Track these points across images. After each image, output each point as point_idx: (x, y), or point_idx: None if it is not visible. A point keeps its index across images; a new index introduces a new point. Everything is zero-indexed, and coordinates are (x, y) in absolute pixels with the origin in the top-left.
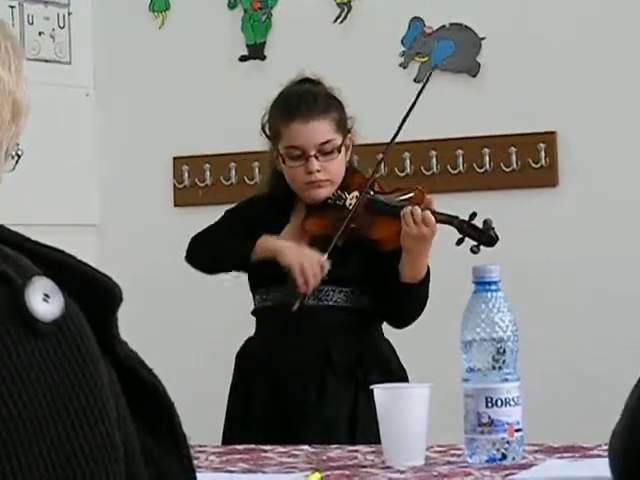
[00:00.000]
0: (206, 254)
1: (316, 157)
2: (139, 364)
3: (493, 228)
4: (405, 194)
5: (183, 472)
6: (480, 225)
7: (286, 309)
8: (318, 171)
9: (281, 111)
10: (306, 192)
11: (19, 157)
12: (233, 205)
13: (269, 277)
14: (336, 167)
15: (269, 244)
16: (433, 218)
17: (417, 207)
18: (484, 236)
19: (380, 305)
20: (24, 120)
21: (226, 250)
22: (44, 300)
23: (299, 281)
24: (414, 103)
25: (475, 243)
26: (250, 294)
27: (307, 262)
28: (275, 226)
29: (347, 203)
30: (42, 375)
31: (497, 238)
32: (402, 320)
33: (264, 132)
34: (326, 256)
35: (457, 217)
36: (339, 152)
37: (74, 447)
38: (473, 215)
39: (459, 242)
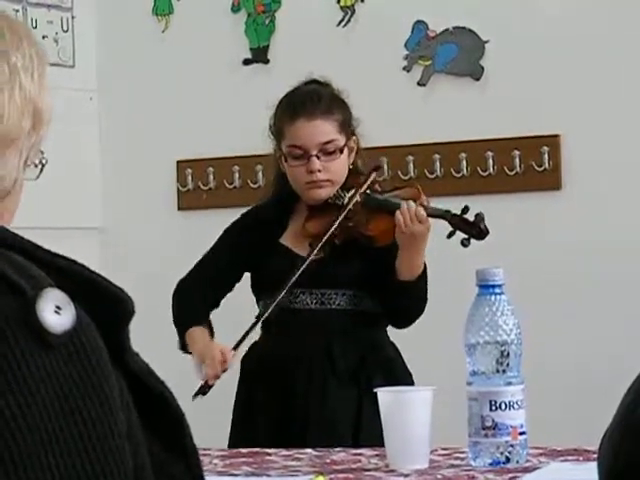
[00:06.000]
0: (174, 309)
1: (317, 157)
2: (150, 375)
3: (484, 221)
4: (401, 192)
5: None
6: (471, 218)
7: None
8: (319, 171)
9: (285, 110)
10: (307, 192)
11: (43, 166)
12: (233, 220)
13: (272, 283)
14: (338, 167)
15: (191, 337)
16: (425, 214)
17: (411, 204)
18: (474, 229)
19: (381, 305)
20: (46, 129)
21: (179, 325)
22: (56, 312)
23: (200, 374)
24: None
25: (465, 236)
26: (254, 299)
27: (209, 356)
28: (277, 230)
29: (345, 202)
30: (52, 387)
31: (487, 231)
32: (403, 319)
33: (270, 131)
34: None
35: (449, 211)
36: (341, 153)
37: (83, 460)
38: (465, 209)
39: (450, 235)
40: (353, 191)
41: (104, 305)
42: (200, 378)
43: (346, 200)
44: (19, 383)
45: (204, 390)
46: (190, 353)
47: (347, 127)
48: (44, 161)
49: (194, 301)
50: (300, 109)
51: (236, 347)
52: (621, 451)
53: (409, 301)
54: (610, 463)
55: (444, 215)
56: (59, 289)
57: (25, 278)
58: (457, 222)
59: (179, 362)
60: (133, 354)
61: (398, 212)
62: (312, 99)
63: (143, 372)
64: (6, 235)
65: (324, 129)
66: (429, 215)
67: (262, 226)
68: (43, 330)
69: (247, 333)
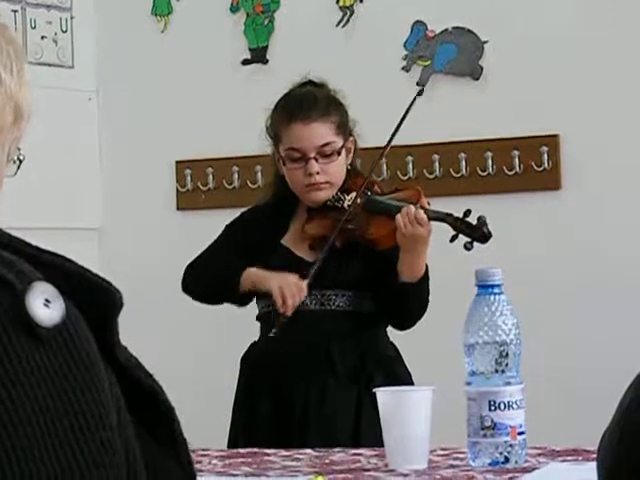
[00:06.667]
0: (198, 286)
1: (316, 159)
2: (139, 369)
3: (487, 224)
4: (401, 194)
5: (184, 478)
6: (474, 222)
7: (267, 335)
8: (317, 173)
9: (282, 113)
10: (306, 194)
11: (21, 162)
12: (233, 218)
13: None
14: (336, 169)
15: (253, 276)
16: (426, 217)
17: (411, 207)
18: (477, 232)
19: (382, 307)
20: (26, 124)
21: (216, 284)
22: (45, 305)
23: (277, 301)
24: (406, 114)
25: (468, 239)
26: (254, 299)
27: (285, 284)
28: (277, 231)
29: (345, 204)
30: (42, 380)
31: (490, 234)
32: (405, 321)
33: (268, 135)
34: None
35: (451, 214)
36: (339, 155)
37: (74, 452)
38: (467, 212)
39: (453, 239)
40: (353, 193)
41: (92, 299)
42: (281, 309)
43: (346, 202)
44: (10, 377)
45: (283, 322)
46: (244, 302)
47: (344, 128)
48: (21, 157)
49: (223, 260)
50: (296, 112)
51: (305, 279)
52: (621, 451)
53: (411, 303)
54: (610, 463)
55: (446, 219)
56: (48, 282)
57: (14, 273)
58: (459, 226)
59: (179, 362)
60: (122, 347)
61: (399, 215)
62: (308, 102)
63: (132, 366)
64: None
65: (321, 132)
66: (431, 219)
67: (263, 226)
68: (33, 323)
69: (317, 266)
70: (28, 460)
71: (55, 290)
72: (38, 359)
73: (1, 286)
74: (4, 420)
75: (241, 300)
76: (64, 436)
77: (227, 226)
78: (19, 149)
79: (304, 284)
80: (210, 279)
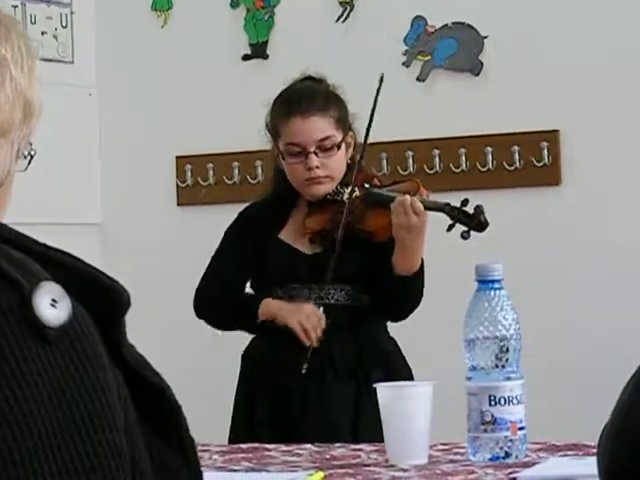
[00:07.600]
0: (215, 316)
1: (315, 153)
2: (146, 368)
3: (484, 213)
4: (400, 186)
5: (191, 477)
6: (471, 211)
7: (297, 366)
8: (317, 167)
9: (281, 108)
10: (306, 188)
11: (32, 157)
12: (231, 221)
13: (272, 279)
14: (336, 163)
15: (269, 308)
16: (422, 206)
17: (407, 196)
18: (474, 221)
19: (375, 299)
20: (36, 120)
21: (234, 317)
22: (52, 305)
23: (301, 337)
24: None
25: (465, 228)
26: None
27: (304, 318)
28: (277, 227)
29: (344, 198)
30: (49, 381)
31: (487, 223)
32: (397, 313)
33: (267, 130)
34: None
35: (448, 204)
36: (339, 149)
37: (80, 454)
38: (465, 202)
39: (449, 228)
40: (352, 187)
41: (100, 298)
42: (307, 343)
43: (345, 196)
44: (17, 378)
45: (310, 355)
46: (261, 332)
47: (343, 123)
48: (33, 152)
49: (237, 291)
50: (295, 107)
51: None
52: (619, 446)
53: (403, 297)
54: (609, 458)
55: (443, 208)
56: (55, 282)
57: (21, 272)
58: (456, 215)
59: (180, 357)
60: (129, 346)
61: (394, 204)
62: (307, 96)
63: (140, 364)
64: (2, 229)
65: (320, 126)
66: (428, 209)
67: (260, 224)
68: (40, 324)
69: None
70: (32, 460)
71: (62, 290)
72: (44, 359)
73: (9, 285)
74: (9, 420)
75: (255, 329)
76: (69, 437)
77: (226, 233)
78: (31, 144)
79: (321, 312)
80: (227, 310)
